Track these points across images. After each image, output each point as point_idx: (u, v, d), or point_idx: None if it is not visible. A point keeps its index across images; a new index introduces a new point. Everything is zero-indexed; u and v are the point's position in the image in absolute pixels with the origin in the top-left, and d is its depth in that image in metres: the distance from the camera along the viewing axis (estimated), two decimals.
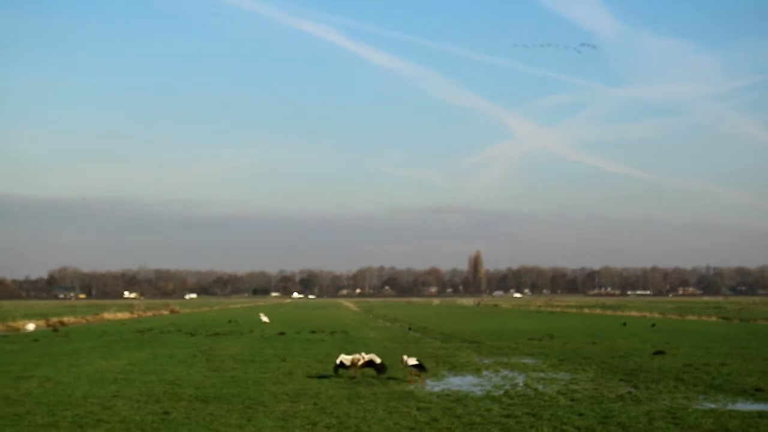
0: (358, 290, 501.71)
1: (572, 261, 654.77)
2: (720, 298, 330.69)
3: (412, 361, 34.05)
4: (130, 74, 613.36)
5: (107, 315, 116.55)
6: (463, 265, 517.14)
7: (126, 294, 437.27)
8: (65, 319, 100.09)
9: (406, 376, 34.61)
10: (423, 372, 34.55)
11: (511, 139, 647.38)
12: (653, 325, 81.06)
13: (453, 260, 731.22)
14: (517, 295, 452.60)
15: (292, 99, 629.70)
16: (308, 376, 35.03)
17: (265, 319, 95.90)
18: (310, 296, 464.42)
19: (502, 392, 29.73)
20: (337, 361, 34.90)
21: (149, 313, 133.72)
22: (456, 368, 38.91)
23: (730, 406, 26.15)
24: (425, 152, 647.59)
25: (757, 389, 30.02)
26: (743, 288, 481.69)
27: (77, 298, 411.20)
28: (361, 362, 34.28)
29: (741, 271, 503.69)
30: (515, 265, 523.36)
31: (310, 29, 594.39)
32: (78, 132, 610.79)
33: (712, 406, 26.24)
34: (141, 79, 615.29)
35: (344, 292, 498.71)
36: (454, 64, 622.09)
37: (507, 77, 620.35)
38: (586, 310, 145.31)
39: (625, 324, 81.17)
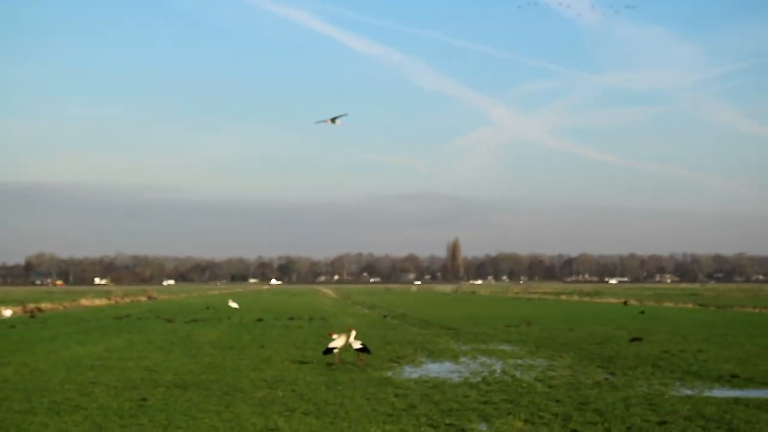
0: (336, 277, 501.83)
1: (550, 248, 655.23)
2: (697, 285, 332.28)
3: (357, 344, 34.35)
4: (107, 61, 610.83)
5: (84, 301, 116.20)
6: (442, 252, 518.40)
7: (97, 280, 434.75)
8: (42, 305, 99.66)
9: (357, 359, 34.93)
10: (367, 354, 35.20)
11: (491, 125, 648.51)
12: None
13: (431, 247, 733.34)
14: (478, 281, 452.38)
15: (272, 85, 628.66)
16: (286, 363, 35.01)
17: (234, 305, 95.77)
18: (275, 281, 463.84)
19: (479, 379, 29.79)
20: (331, 345, 34.80)
21: (127, 300, 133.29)
22: (434, 355, 38.97)
23: (707, 393, 26.27)
24: (404, 139, 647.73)
25: (733, 375, 30.17)
26: (720, 275, 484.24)
27: (54, 284, 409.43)
28: (356, 346, 34.41)
29: (718, 259, 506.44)
30: (493, 252, 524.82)
31: (290, 15, 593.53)
32: (55, 118, 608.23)
33: (689, 392, 26.37)
34: (118, 65, 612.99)
35: (322, 278, 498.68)
36: (434, 51, 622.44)
37: (487, 64, 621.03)
38: (563, 297, 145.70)
39: (642, 312, 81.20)
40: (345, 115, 38.04)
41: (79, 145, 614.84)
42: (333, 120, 37.66)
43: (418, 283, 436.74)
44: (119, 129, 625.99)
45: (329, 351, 34.86)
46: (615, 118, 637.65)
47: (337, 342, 34.61)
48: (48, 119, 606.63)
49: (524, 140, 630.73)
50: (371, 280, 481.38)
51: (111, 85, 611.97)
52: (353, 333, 35.13)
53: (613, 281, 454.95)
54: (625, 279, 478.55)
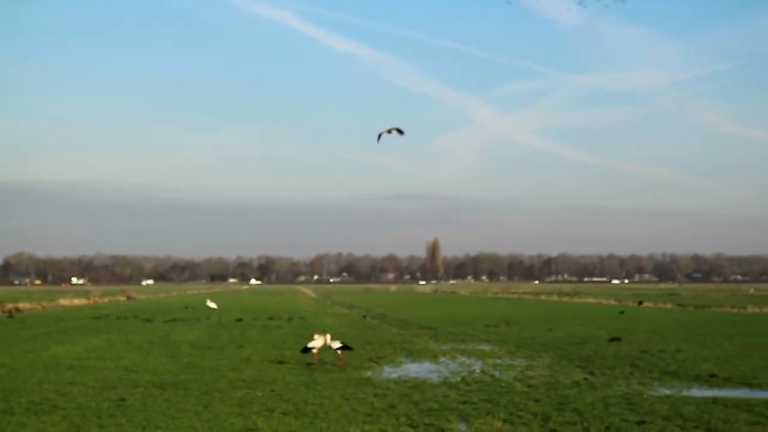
0: (315, 277, 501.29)
1: (529, 248, 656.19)
2: (675, 285, 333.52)
3: (336, 344, 34.37)
4: (88, 60, 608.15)
5: (63, 301, 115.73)
6: (421, 252, 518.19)
7: (74, 280, 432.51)
8: (21, 305, 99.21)
9: (336, 359, 34.94)
10: (350, 351, 35.61)
11: (472, 126, 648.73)
12: (622, 312, 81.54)
13: (411, 247, 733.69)
14: (470, 280, 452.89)
15: (251, 85, 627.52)
16: (265, 363, 34.96)
17: (212, 305, 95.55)
18: (255, 281, 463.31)
19: (459, 379, 29.82)
20: (309, 345, 34.76)
21: (106, 299, 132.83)
22: (413, 355, 38.98)
23: (685, 392, 26.37)
24: (385, 139, 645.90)
25: (711, 375, 30.30)
26: (698, 275, 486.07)
27: (33, 284, 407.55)
28: (335, 346, 34.39)
29: (696, 259, 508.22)
30: (473, 252, 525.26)
31: (270, 14, 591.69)
32: (34, 117, 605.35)
33: (668, 392, 26.46)
34: (98, 64, 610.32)
35: (302, 278, 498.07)
36: (416, 51, 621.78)
37: (469, 64, 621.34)
38: (542, 297, 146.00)
39: (622, 312, 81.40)
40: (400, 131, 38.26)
41: (57, 144, 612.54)
42: (396, 131, 37.82)
43: (394, 285, 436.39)
44: (95, 129, 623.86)
45: (307, 350, 34.84)
46: (597, 118, 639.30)
47: (316, 342, 34.58)
48: (27, 119, 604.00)
49: (506, 140, 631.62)
50: (351, 280, 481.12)
51: (91, 86, 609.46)
52: (328, 336, 35.06)
53: (615, 281, 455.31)
54: (604, 279, 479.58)
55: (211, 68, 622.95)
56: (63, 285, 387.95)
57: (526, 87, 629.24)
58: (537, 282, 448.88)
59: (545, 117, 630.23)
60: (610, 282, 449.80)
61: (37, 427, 20.08)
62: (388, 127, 37.61)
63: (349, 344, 36.10)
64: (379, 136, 38.31)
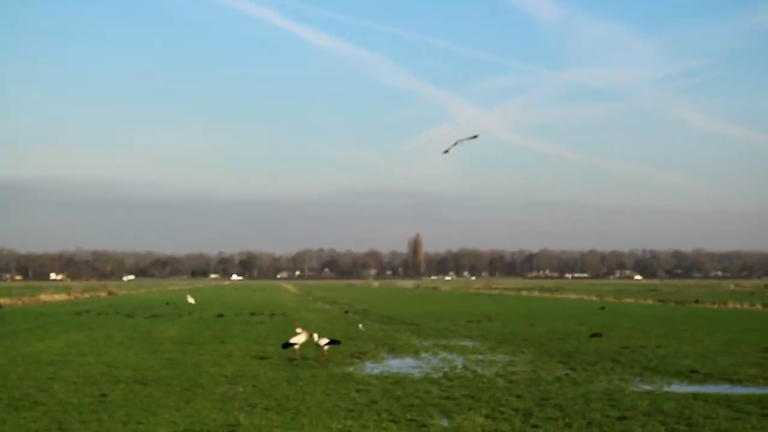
0: (297, 272, 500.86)
1: (511, 244, 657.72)
2: (656, 281, 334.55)
3: (324, 340, 34.36)
4: (67, 57, 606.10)
5: (44, 297, 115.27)
6: (403, 248, 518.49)
7: (53, 276, 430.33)
8: (1, 300, 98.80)
9: (319, 355, 34.97)
10: (336, 345, 35.73)
11: (452, 121, 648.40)
12: (602, 308, 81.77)
13: (392, 243, 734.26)
14: (448, 278, 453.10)
15: (232, 81, 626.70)
16: (247, 358, 34.92)
17: (191, 300, 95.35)
18: (236, 277, 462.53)
19: (440, 374, 29.84)
20: (291, 341, 34.72)
21: (87, 295, 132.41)
22: (395, 350, 39.00)
23: (666, 388, 26.45)
24: (365, 134, 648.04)
25: (692, 371, 30.40)
26: (679, 271, 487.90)
27: (13, 280, 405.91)
28: (322, 343, 34.32)
29: (677, 255, 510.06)
30: (455, 248, 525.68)
31: (252, 11, 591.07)
32: (14, 114, 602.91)
33: (648, 387, 26.53)
34: (79, 61, 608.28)
35: (284, 274, 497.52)
36: (395, 47, 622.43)
37: (449, 60, 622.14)
38: (524, 293, 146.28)
39: (603, 308, 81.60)
40: (476, 137, 38.46)
41: (37, 140, 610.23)
42: (469, 139, 37.98)
43: (376, 282, 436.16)
44: (78, 125, 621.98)
45: (288, 345, 34.80)
46: (577, 114, 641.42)
47: (299, 338, 34.55)
48: (6, 116, 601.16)
49: (485, 136, 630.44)
50: (332, 276, 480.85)
51: (72, 82, 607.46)
52: (315, 335, 34.97)
53: (638, 276, 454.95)
54: (585, 275, 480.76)
55: (192, 65, 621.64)
56: (17, 279, 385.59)
57: (506, 83, 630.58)
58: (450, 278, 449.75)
59: (525, 113, 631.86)
60: (594, 277, 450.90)
61: (18, 423, 20.01)
62: (460, 140, 37.77)
63: (336, 338, 36.16)
64: (446, 151, 38.51)
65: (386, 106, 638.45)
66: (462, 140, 37.30)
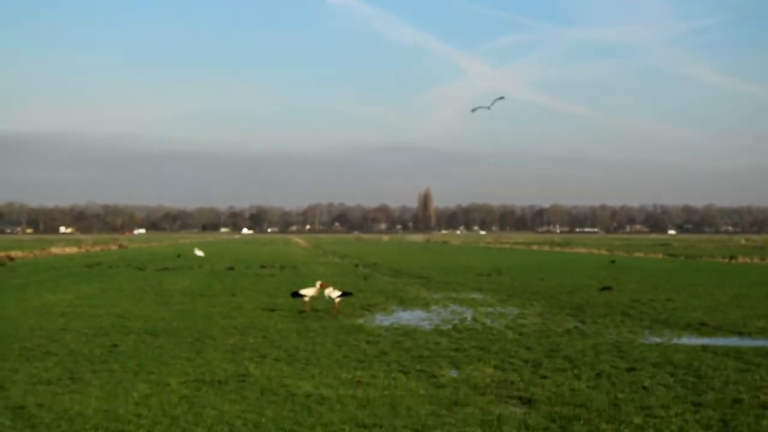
0: (308, 226, 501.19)
1: (522, 199, 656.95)
2: (666, 236, 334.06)
3: (336, 293, 34.29)
4: (79, 9, 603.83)
5: (55, 249, 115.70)
6: (413, 203, 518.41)
7: (62, 229, 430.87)
8: (12, 253, 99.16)
9: (330, 307, 35.04)
10: (348, 297, 35.64)
11: (463, 78, 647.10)
12: (613, 262, 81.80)
13: (403, 197, 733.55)
14: (458, 232, 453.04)
15: (244, 39, 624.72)
16: (257, 310, 35.02)
17: (199, 253, 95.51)
18: (246, 231, 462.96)
19: (450, 326, 29.91)
20: (302, 291, 34.74)
21: (97, 248, 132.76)
22: (405, 303, 39.07)
23: (675, 340, 26.48)
24: (376, 90, 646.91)
25: (701, 324, 30.42)
26: (689, 226, 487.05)
27: (24, 233, 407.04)
28: (335, 295, 34.26)
29: (687, 210, 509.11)
30: (465, 203, 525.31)
31: None
32: (26, 67, 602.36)
33: (658, 340, 26.56)
34: (91, 15, 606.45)
35: (294, 228, 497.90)
36: (407, 3, 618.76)
37: (460, 17, 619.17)
38: (534, 247, 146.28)
39: (613, 262, 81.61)
40: (501, 98, 38.86)
41: (50, 94, 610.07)
42: (490, 106, 38.36)
43: (386, 236, 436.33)
44: (91, 78, 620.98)
45: (297, 294, 34.80)
46: (588, 71, 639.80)
47: (310, 290, 34.61)
48: (19, 68, 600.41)
49: (496, 93, 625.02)
50: (343, 230, 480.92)
51: (84, 35, 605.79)
52: (331, 288, 34.83)
53: (672, 231, 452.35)
54: (596, 230, 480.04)
55: (203, 19, 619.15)
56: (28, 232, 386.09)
57: (518, 40, 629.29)
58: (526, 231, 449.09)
59: (537, 70, 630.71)
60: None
61: (30, 373, 20.12)
62: (490, 104, 37.96)
63: (348, 291, 36.23)
64: (478, 108, 38.65)
65: (397, 62, 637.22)
66: (493, 102, 37.50)
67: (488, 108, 37.43)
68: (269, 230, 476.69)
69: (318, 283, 34.83)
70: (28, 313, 33.64)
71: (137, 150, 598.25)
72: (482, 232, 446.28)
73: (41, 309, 35.46)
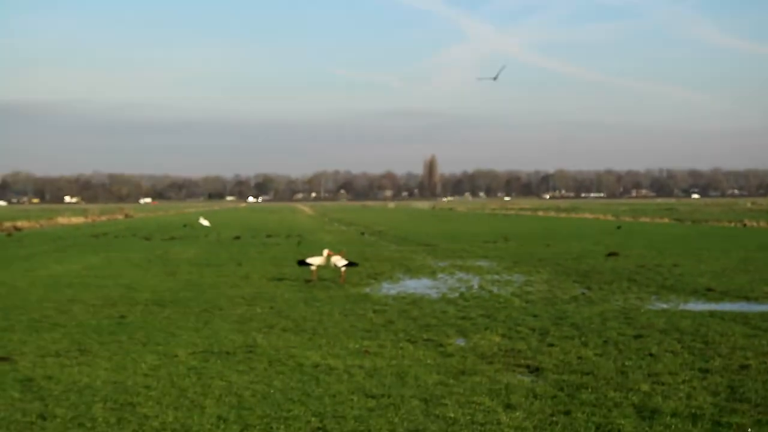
0: (313, 194, 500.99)
1: (527, 164, 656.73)
2: (673, 200, 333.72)
3: (342, 262, 34.22)
4: None
5: (61, 219, 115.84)
6: (419, 169, 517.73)
7: (67, 199, 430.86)
8: (19, 223, 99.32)
9: (336, 277, 35.01)
10: (355, 267, 35.50)
11: (467, 41, 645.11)
12: (619, 227, 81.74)
13: (408, 164, 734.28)
14: (469, 198, 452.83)
15: (246, 2, 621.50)
16: (264, 280, 35.06)
17: (205, 223, 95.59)
18: (251, 199, 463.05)
19: (457, 294, 29.93)
20: (308, 260, 34.70)
21: (104, 218, 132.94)
22: (411, 271, 39.09)
23: (682, 306, 26.48)
24: (380, 55, 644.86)
25: (708, 289, 30.42)
26: (696, 190, 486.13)
27: (30, 203, 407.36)
28: (340, 264, 34.19)
29: (693, 174, 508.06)
30: (470, 169, 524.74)
31: None
32: (32, 36, 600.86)
33: (665, 306, 26.57)
34: None
35: (300, 196, 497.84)
36: None
37: None
38: (540, 213, 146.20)
39: (619, 227, 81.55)
40: (504, 67, 39.43)
41: (55, 62, 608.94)
42: (495, 76, 39.01)
43: (392, 204, 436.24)
44: (97, 46, 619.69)
45: (304, 263, 34.80)
46: (593, 33, 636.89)
47: (316, 259, 34.57)
48: (24, 35, 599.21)
49: (501, 56, 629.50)
50: (348, 198, 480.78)
51: (85, 3, 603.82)
52: (337, 256, 34.69)
53: (696, 195, 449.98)
54: (601, 195, 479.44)
55: None
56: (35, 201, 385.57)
57: (521, 3, 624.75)
58: (509, 198, 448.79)
59: (541, 32, 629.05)
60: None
61: (38, 344, 20.17)
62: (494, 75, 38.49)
63: (353, 261, 36.18)
64: (480, 78, 39.10)
65: (400, 26, 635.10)
66: (498, 72, 37.92)
67: (494, 79, 37.92)
68: (259, 200, 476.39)
69: (325, 252, 34.74)
70: (36, 284, 33.72)
71: (143, 119, 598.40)
72: (506, 198, 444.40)
73: (48, 280, 35.53)
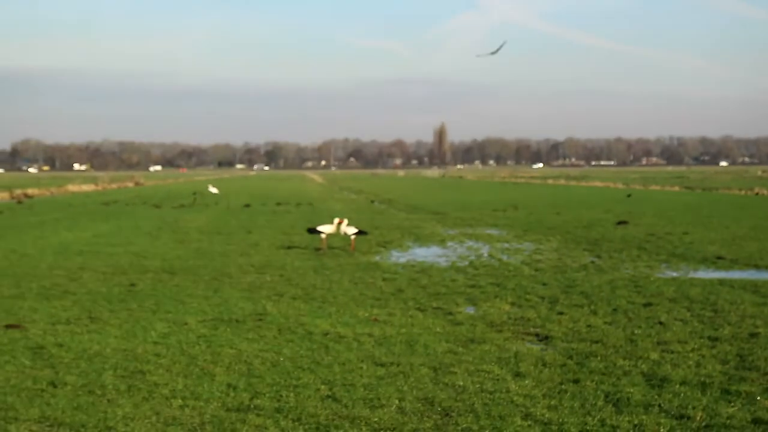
0: (323, 162, 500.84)
1: (537, 132, 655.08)
2: (683, 168, 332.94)
3: (352, 230, 34.20)
4: None
5: (72, 187, 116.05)
6: (428, 137, 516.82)
7: (77, 166, 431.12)
8: (29, 191, 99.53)
9: (346, 244, 35.02)
10: (364, 235, 35.76)
11: (477, 9, 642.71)
12: (629, 196, 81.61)
13: (418, 132, 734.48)
14: (479, 166, 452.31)
15: None
16: (274, 248, 35.09)
17: (214, 190, 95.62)
18: (258, 167, 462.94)
19: (466, 263, 29.93)
20: (319, 228, 34.70)
21: (114, 186, 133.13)
22: (421, 239, 39.08)
23: (692, 274, 26.47)
24: (389, 22, 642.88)
25: (718, 257, 30.38)
26: (706, 158, 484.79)
27: (41, 170, 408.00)
28: (350, 232, 34.17)
29: (704, 141, 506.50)
30: (480, 137, 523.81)
31: None
32: (41, 4, 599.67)
33: (674, 274, 26.56)
34: None
35: (309, 164, 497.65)
36: None
37: None
38: (550, 181, 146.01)
39: (629, 196, 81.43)
40: (505, 43, 39.53)
41: (65, 29, 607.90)
42: (498, 49, 39.02)
43: (401, 172, 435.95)
44: (105, 14, 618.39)
45: (314, 231, 34.83)
46: (603, 1, 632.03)
47: (326, 227, 34.54)
48: (33, 3, 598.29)
49: (511, 24, 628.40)
50: (358, 166, 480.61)
51: None
52: (345, 222, 34.63)
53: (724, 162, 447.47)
54: (611, 163, 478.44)
55: None
56: (44, 169, 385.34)
57: None
58: (541, 165, 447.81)
59: (552, 0, 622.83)
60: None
61: (49, 312, 20.24)
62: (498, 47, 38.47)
63: (363, 229, 36.17)
64: (483, 54, 39.30)
65: None
66: (497, 48, 37.79)
67: (492, 54, 37.87)
68: (265, 168, 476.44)
69: (336, 220, 34.69)
70: (46, 252, 33.80)
71: (152, 86, 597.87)
72: (490, 162, 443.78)
73: (59, 247, 35.62)
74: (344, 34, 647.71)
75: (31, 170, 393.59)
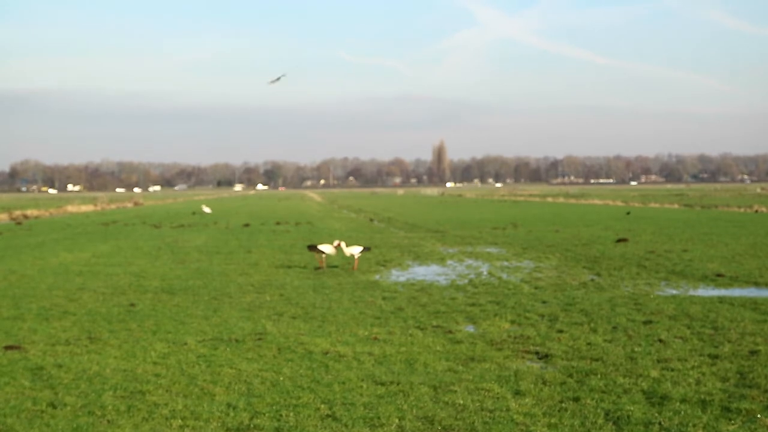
0: (322, 181, 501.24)
1: (536, 150, 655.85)
2: (682, 186, 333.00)
3: (357, 249, 34.21)
4: None
5: (71, 207, 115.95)
6: (427, 156, 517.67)
7: (70, 187, 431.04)
8: (28, 212, 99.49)
9: (348, 264, 35.00)
10: (367, 252, 36.27)
11: (475, 26, 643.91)
12: (628, 213, 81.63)
13: (417, 150, 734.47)
14: (478, 184, 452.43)
15: None
16: (273, 267, 35.08)
17: (207, 210, 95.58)
18: (262, 186, 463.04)
19: (466, 281, 29.92)
20: (320, 246, 34.66)
21: (113, 206, 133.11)
22: (420, 258, 39.09)
23: (692, 292, 26.45)
24: (388, 40, 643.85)
25: (718, 275, 30.37)
26: (705, 175, 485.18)
27: (40, 191, 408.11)
28: (355, 252, 34.17)
29: (703, 159, 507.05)
30: (479, 155, 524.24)
31: None
32: (40, 24, 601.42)
33: (674, 292, 26.54)
34: None
35: (308, 183, 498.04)
36: None
37: None
38: (549, 199, 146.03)
39: (628, 213, 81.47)
40: (284, 75, 40.30)
41: (64, 50, 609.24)
42: (276, 79, 39.38)
43: (401, 189, 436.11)
44: (103, 34, 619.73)
45: (314, 248, 34.80)
46: (601, 17, 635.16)
47: (327, 247, 34.51)
48: (33, 24, 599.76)
49: (510, 41, 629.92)
50: (357, 185, 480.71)
51: None
52: (343, 244, 34.61)
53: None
54: (610, 180, 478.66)
55: None
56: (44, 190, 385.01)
57: None
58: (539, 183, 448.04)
59: (550, 16, 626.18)
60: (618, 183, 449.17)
61: (49, 333, 20.22)
62: (277, 76, 38.88)
63: (366, 246, 36.21)
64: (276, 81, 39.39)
65: (410, 10, 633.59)
66: (278, 77, 38.14)
67: (272, 83, 39.08)
68: (265, 187, 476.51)
69: (335, 243, 34.68)
70: (46, 272, 33.78)
71: (151, 107, 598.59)
72: (498, 185, 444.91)
73: (58, 268, 35.60)
74: (343, 53, 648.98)
75: (51, 191, 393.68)
